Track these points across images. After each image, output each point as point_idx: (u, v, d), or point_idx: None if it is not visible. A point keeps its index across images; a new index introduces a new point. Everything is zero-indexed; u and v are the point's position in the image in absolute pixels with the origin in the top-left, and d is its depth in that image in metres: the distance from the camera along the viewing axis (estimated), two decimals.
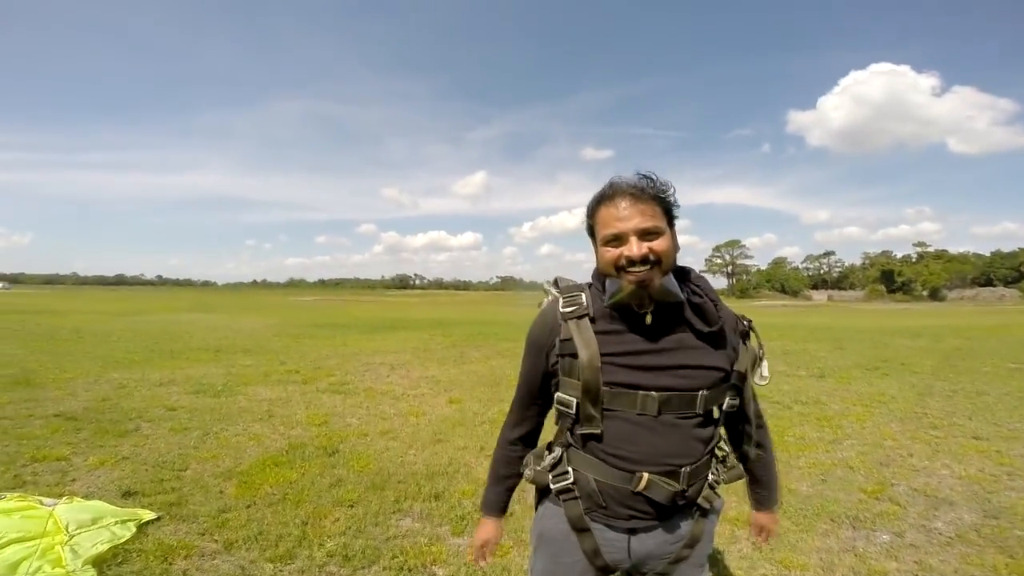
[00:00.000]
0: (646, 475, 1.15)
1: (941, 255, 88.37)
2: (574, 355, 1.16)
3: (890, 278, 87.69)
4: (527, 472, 1.32)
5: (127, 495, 3.15)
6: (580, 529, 1.24)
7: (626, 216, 1.12)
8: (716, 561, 2.59)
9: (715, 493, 1.27)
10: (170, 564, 2.43)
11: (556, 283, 1.28)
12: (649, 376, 1.14)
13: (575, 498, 1.23)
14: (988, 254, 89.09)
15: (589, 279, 1.27)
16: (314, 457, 3.94)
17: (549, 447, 1.31)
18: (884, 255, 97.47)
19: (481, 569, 2.44)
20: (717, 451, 1.27)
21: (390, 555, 2.57)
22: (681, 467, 1.17)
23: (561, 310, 1.20)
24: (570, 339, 1.17)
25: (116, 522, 2.67)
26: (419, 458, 4.01)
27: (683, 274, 1.21)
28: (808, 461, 3.98)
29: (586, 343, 1.15)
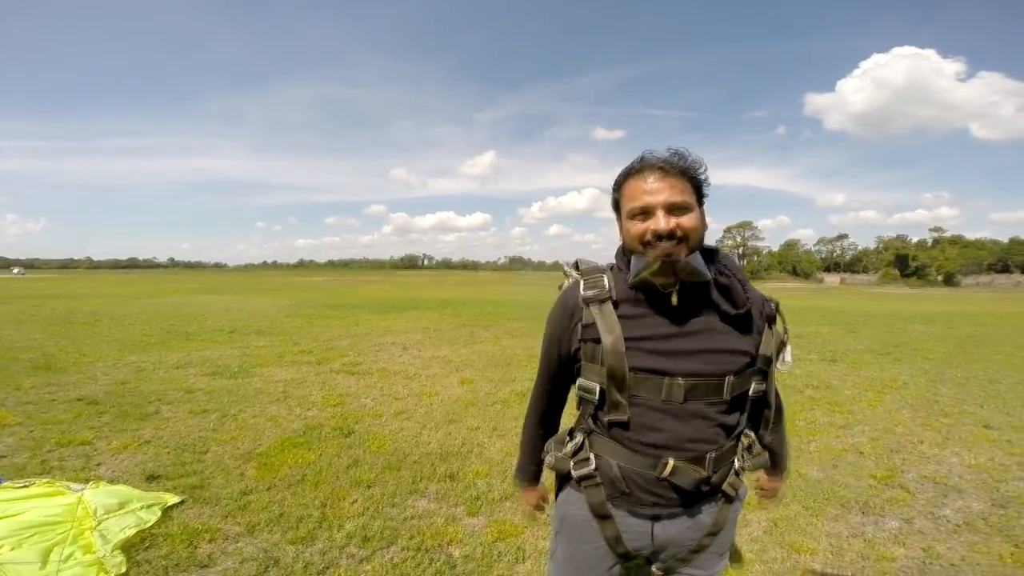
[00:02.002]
0: (671, 461, 1.13)
1: (957, 240, 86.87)
2: (596, 340, 1.14)
3: (904, 262, 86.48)
4: (548, 459, 1.32)
5: (151, 479, 3.22)
6: (602, 516, 1.23)
7: (655, 189, 1.10)
8: None
9: (740, 480, 1.25)
10: (195, 548, 2.48)
11: (576, 265, 1.25)
12: (675, 361, 1.11)
13: (597, 484, 1.21)
14: (1006, 240, 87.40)
15: (604, 260, 1.25)
16: (330, 438, 4.02)
17: (571, 433, 1.30)
18: (899, 239, 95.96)
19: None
20: (743, 437, 1.26)
21: (408, 536, 2.63)
22: (707, 453, 1.15)
23: (582, 293, 1.17)
24: (592, 324, 1.15)
25: (142, 507, 2.73)
26: (433, 438, 4.07)
27: (710, 253, 1.17)
28: (819, 446, 4.00)
29: (609, 327, 1.12)
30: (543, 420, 1.39)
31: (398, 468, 3.46)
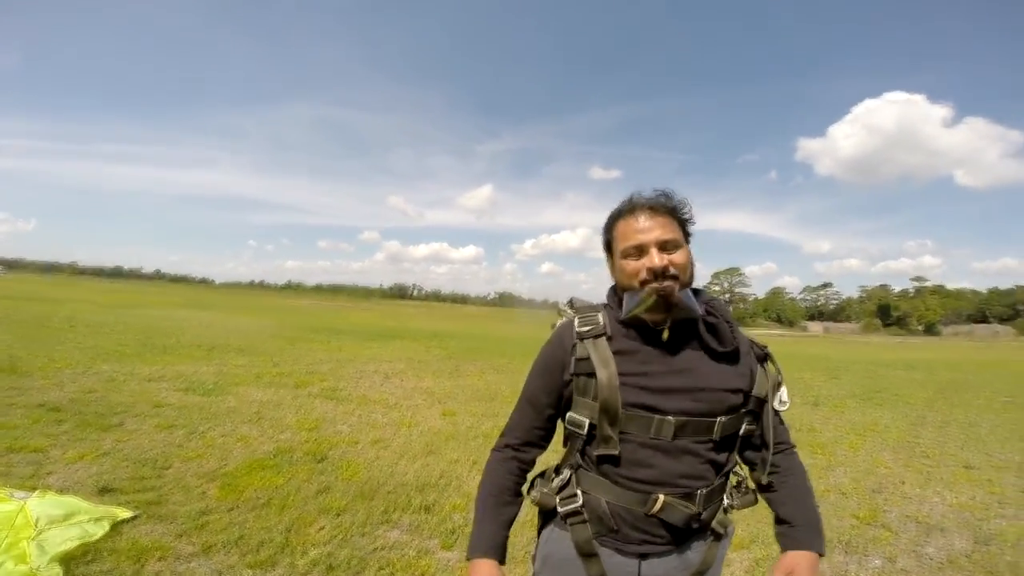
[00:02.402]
0: (662, 497, 1.11)
1: (938, 290, 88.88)
2: (590, 374, 1.13)
3: (886, 312, 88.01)
4: (533, 494, 1.25)
5: (104, 491, 3.06)
6: (587, 554, 1.18)
7: (646, 228, 1.13)
8: None
9: (728, 518, 1.22)
10: (142, 565, 2.35)
11: (571, 303, 1.27)
12: (666, 399, 1.11)
13: (584, 521, 1.18)
14: (985, 291, 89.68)
15: (594, 300, 1.27)
16: (302, 462, 3.87)
17: (557, 469, 1.25)
18: (882, 288, 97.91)
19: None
20: (732, 475, 1.24)
21: (376, 566, 2.49)
22: (697, 490, 1.13)
23: (577, 329, 1.18)
24: (587, 358, 1.14)
25: (90, 519, 2.59)
26: (410, 469, 3.93)
27: (696, 293, 1.18)
28: None
29: (604, 362, 1.12)
30: (522, 463, 1.26)
31: (371, 497, 3.32)
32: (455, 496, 3.44)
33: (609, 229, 1.22)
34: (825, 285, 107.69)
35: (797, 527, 1.22)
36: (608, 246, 1.23)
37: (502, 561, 1.20)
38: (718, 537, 1.21)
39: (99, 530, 2.53)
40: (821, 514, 1.25)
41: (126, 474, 3.37)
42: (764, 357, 1.22)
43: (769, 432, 1.22)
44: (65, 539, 2.38)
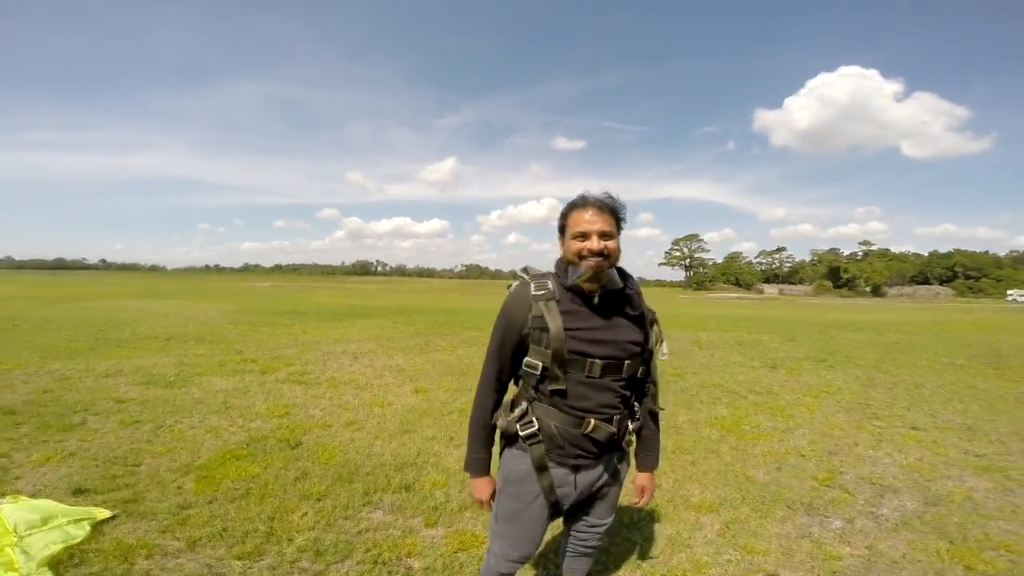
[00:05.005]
0: (593, 420, 1.53)
1: (884, 254, 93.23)
2: (544, 328, 1.49)
3: (836, 274, 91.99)
4: (500, 423, 1.62)
5: (78, 493, 2.99)
6: (541, 468, 1.58)
7: (592, 220, 1.50)
8: (682, 546, 2.67)
9: (630, 439, 1.68)
10: (132, 564, 2.32)
11: (526, 270, 1.62)
12: (596, 347, 1.50)
13: (539, 442, 1.56)
14: (927, 254, 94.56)
15: (551, 269, 1.61)
16: (276, 450, 3.84)
17: (512, 403, 1.63)
18: (832, 252, 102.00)
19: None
20: (633, 407, 1.67)
21: (363, 549, 2.54)
22: (614, 415, 1.56)
23: (533, 292, 1.53)
24: (541, 316, 1.50)
25: (69, 522, 2.53)
26: (387, 449, 3.96)
27: (622, 274, 1.58)
28: (763, 449, 4.15)
29: (554, 319, 1.49)
30: (496, 403, 1.65)
31: (350, 480, 3.34)
32: (434, 473, 3.49)
33: (564, 216, 1.57)
34: (779, 249, 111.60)
35: (650, 455, 1.79)
36: (562, 228, 1.57)
37: (490, 472, 1.69)
38: (623, 454, 1.70)
39: (80, 532, 2.48)
40: (660, 440, 1.81)
41: (97, 473, 3.29)
42: (653, 321, 1.65)
43: (656, 373, 1.69)
44: (48, 543, 2.33)
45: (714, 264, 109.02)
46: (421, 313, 17.19)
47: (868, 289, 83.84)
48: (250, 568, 2.34)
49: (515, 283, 1.61)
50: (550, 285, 1.53)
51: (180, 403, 5.05)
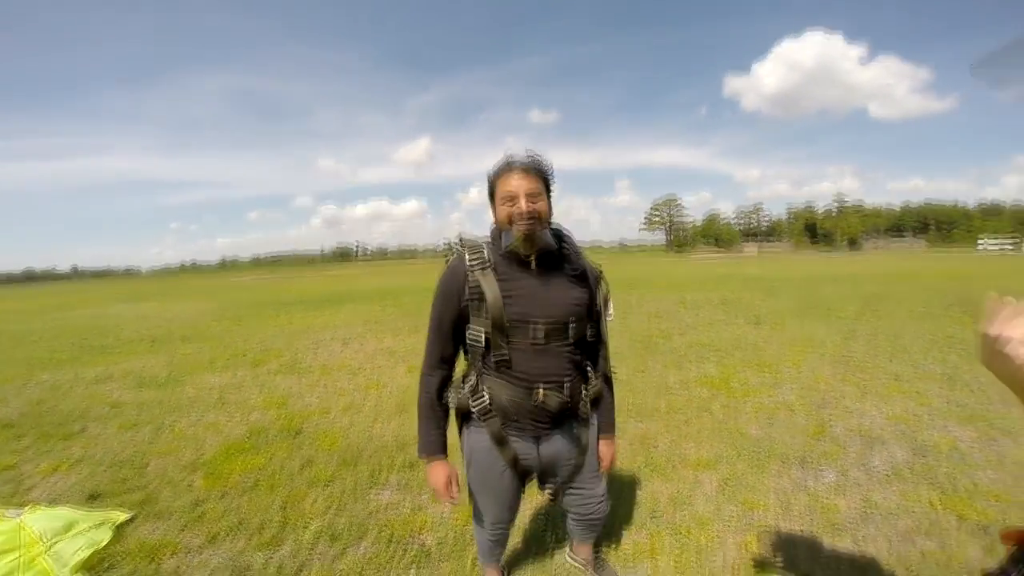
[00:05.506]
0: (542, 389, 1.50)
1: (858, 209, 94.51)
2: (481, 297, 1.46)
3: (813, 230, 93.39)
4: (452, 399, 1.60)
5: (93, 498, 3.01)
6: (500, 442, 1.56)
7: (519, 184, 1.46)
8: (684, 503, 2.77)
9: (590, 410, 1.65)
10: (159, 564, 2.37)
11: (461, 240, 1.60)
12: (536, 308, 1.47)
13: (493, 416, 1.54)
14: (899, 208, 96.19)
15: (487, 238, 1.57)
16: (278, 440, 3.88)
17: (463, 378, 1.62)
18: (807, 209, 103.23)
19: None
20: (586, 372, 1.64)
21: (376, 529, 2.61)
22: (563, 382, 1.53)
23: (468, 262, 1.50)
24: (477, 285, 1.47)
25: (90, 527, 2.55)
26: (387, 430, 4.02)
27: (558, 234, 1.55)
28: (754, 405, 4.27)
29: (490, 287, 1.46)
30: (443, 379, 1.61)
31: (354, 463, 3.40)
32: None
33: (492, 182, 1.52)
34: (756, 208, 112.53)
35: (606, 420, 1.75)
36: (492, 195, 1.53)
37: (445, 454, 1.63)
38: (585, 422, 1.65)
39: (104, 536, 2.51)
40: (616, 405, 1.79)
41: (107, 478, 3.31)
42: (598, 279, 1.62)
43: (605, 332, 1.66)
44: (76, 549, 2.36)
45: (694, 225, 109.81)
46: (407, 293, 17.11)
47: (845, 243, 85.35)
48: (271, 557, 2.41)
49: (452, 255, 1.58)
50: (485, 253, 1.50)
51: (176, 402, 5.04)
